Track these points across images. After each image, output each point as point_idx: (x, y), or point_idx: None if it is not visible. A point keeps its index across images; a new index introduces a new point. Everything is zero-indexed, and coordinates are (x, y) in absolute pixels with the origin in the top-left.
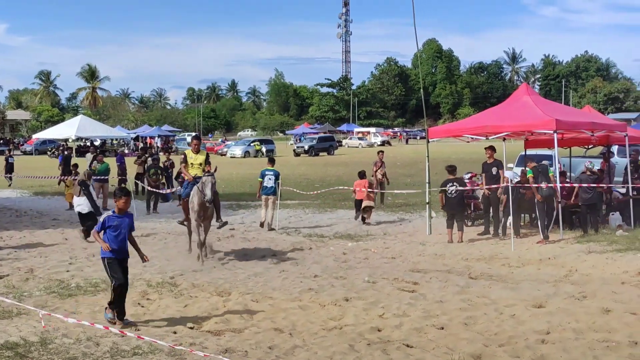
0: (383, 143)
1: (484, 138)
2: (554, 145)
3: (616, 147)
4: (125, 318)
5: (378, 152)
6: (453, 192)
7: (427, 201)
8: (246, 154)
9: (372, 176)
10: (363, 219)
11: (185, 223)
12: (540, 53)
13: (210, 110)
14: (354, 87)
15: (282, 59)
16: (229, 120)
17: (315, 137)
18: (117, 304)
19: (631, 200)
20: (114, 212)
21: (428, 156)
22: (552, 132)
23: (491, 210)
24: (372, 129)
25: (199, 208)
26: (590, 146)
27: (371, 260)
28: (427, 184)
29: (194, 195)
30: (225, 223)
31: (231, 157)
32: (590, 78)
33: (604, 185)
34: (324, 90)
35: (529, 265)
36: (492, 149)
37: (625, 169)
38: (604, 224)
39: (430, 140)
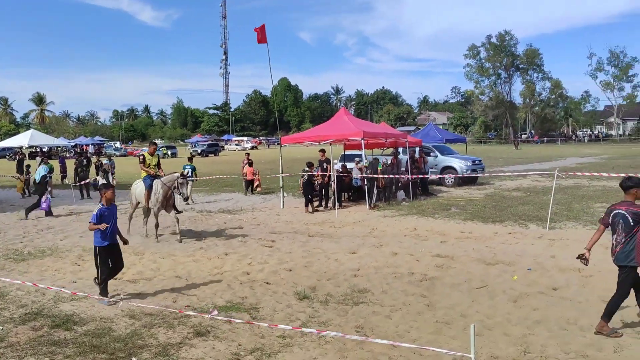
0: (252, 147)
1: (318, 143)
2: (362, 147)
3: (401, 148)
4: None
5: (245, 153)
6: (306, 177)
7: (281, 185)
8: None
9: (242, 171)
10: (252, 192)
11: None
12: (355, 87)
13: (130, 126)
14: (232, 110)
15: (181, 89)
16: (144, 132)
17: (206, 144)
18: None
19: (410, 182)
20: (103, 204)
21: (281, 156)
22: (360, 139)
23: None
24: (245, 138)
25: (163, 199)
26: (385, 148)
27: (244, 227)
28: (280, 175)
29: (159, 189)
30: (181, 212)
31: None
32: (385, 104)
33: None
34: (211, 111)
35: (347, 226)
36: (323, 150)
37: (407, 162)
38: (394, 198)
39: (283, 145)
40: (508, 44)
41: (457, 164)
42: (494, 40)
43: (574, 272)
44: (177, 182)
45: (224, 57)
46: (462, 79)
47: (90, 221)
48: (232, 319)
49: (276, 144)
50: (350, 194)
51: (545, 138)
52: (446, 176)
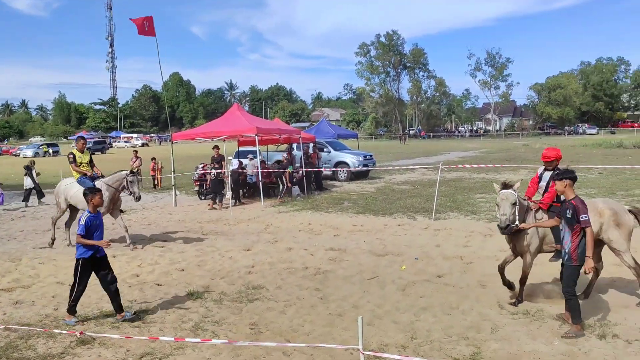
0: (143, 145)
1: (211, 139)
2: (256, 143)
3: (295, 144)
4: (133, 312)
5: (133, 151)
6: (214, 174)
7: (173, 183)
8: (36, 154)
9: (130, 167)
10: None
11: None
12: (249, 83)
13: (5, 122)
14: (120, 105)
15: (64, 83)
16: (22, 129)
17: (92, 141)
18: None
19: (304, 177)
20: (89, 211)
21: (173, 153)
22: (254, 135)
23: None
24: (135, 135)
25: (109, 203)
26: (279, 144)
27: (134, 227)
28: (172, 172)
29: (104, 191)
30: (124, 211)
31: (23, 157)
32: (280, 100)
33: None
34: (98, 107)
35: (241, 224)
36: (217, 147)
37: (301, 158)
38: (288, 193)
39: (174, 142)
40: (396, 43)
41: (350, 159)
42: (382, 39)
43: (456, 260)
44: (127, 181)
45: (110, 49)
46: (354, 76)
47: (79, 233)
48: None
49: (168, 140)
50: (245, 191)
51: (431, 133)
52: (339, 170)
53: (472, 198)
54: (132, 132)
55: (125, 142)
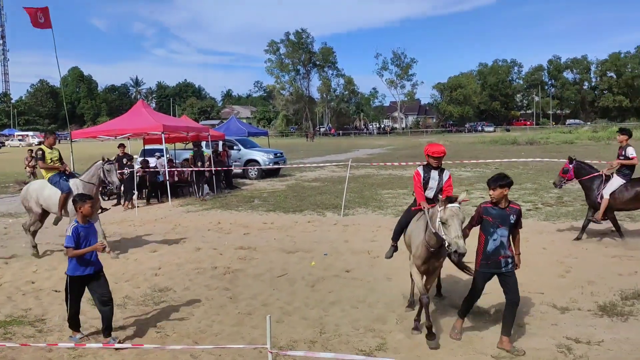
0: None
1: (114, 137)
2: (162, 142)
3: (204, 142)
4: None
5: (28, 150)
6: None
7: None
8: None
9: (25, 168)
10: None
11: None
12: (156, 79)
13: None
14: (13, 101)
15: None
16: None
17: None
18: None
19: (214, 176)
20: (77, 222)
21: (72, 152)
22: (160, 133)
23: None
24: (30, 133)
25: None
26: (187, 142)
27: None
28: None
29: (81, 190)
30: (106, 209)
31: None
32: (188, 97)
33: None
34: None
35: (148, 224)
36: (122, 145)
37: (210, 156)
38: (199, 191)
39: (74, 140)
40: (305, 41)
41: (260, 156)
42: (292, 37)
43: (364, 254)
44: (104, 172)
45: (1, 41)
46: (265, 73)
47: (67, 245)
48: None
49: (67, 139)
50: (151, 190)
51: (340, 131)
52: (250, 168)
53: (379, 194)
54: (28, 129)
55: (20, 140)
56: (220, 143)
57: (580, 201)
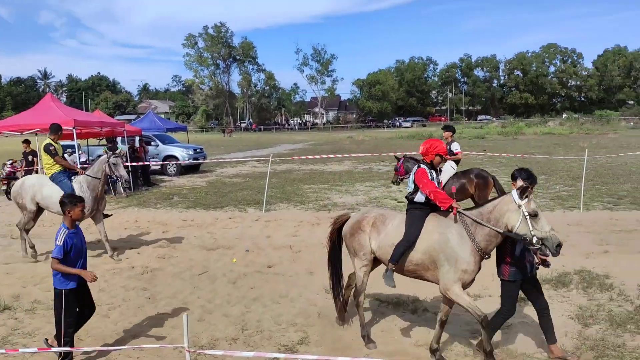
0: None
1: (20, 133)
2: (74, 137)
3: (120, 138)
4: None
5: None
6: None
7: None
8: None
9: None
10: None
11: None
12: (66, 72)
13: None
14: None
15: None
16: None
17: None
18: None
19: (130, 172)
20: (66, 227)
21: None
22: (71, 128)
23: None
24: None
25: (94, 202)
26: (102, 138)
27: None
28: None
29: (85, 188)
30: (110, 215)
31: None
32: (102, 91)
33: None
34: None
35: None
36: (27, 141)
37: (126, 152)
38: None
39: None
40: (224, 35)
41: (179, 152)
42: (210, 31)
43: (286, 250)
44: (109, 166)
45: None
46: (183, 67)
47: (55, 257)
48: None
49: None
50: None
51: (262, 126)
52: (168, 164)
53: (301, 189)
54: None
55: None
56: (137, 139)
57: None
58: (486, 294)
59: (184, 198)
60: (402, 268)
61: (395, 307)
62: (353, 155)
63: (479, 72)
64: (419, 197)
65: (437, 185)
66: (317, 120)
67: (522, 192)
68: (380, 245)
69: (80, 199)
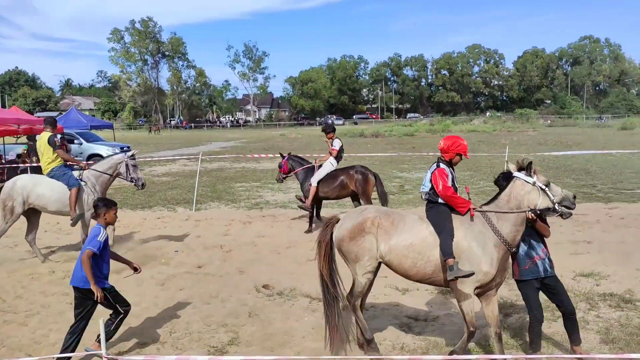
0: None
1: None
2: None
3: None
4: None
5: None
6: None
7: None
8: None
9: None
10: None
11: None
12: None
13: None
14: None
15: None
16: None
17: None
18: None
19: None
20: (102, 226)
21: None
22: None
23: None
24: None
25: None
26: (19, 136)
27: None
28: None
29: (94, 184)
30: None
31: None
32: (20, 87)
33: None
34: None
35: None
36: None
37: None
38: None
39: None
40: (152, 30)
41: (104, 151)
42: (138, 25)
43: (216, 249)
44: (127, 166)
45: None
46: (109, 63)
47: (90, 248)
48: None
49: None
50: None
51: (193, 124)
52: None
53: (232, 187)
54: None
55: None
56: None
57: (419, 189)
58: (414, 287)
59: (109, 198)
60: (414, 273)
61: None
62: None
63: (408, 71)
64: (442, 202)
65: (455, 186)
66: (250, 118)
67: (529, 170)
68: (393, 248)
69: (114, 203)
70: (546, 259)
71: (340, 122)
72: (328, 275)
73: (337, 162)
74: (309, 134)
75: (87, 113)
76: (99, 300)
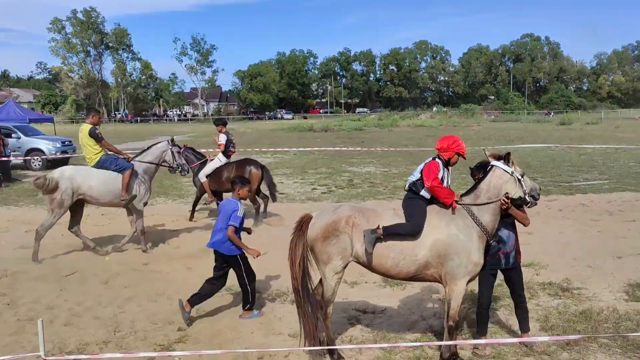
0: None
1: None
2: None
3: None
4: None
5: None
6: None
7: None
8: None
9: None
10: None
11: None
12: None
13: None
14: None
15: None
16: None
17: None
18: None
19: None
20: (237, 200)
21: None
22: None
23: None
24: None
25: (150, 189)
26: None
27: None
28: None
29: (142, 173)
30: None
31: None
32: None
33: None
34: None
35: None
36: None
37: None
38: None
39: None
40: (95, 21)
41: (45, 145)
42: (80, 15)
43: (163, 246)
44: (173, 154)
45: None
46: (49, 54)
47: (233, 224)
48: None
49: None
50: None
51: (139, 118)
52: (32, 158)
53: (179, 182)
54: None
55: None
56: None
57: (368, 183)
58: (362, 280)
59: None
60: (396, 272)
61: (274, 298)
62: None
63: (357, 66)
64: (424, 194)
65: (446, 182)
66: (198, 112)
67: (507, 160)
68: None
69: (248, 181)
70: (512, 252)
71: (290, 116)
72: (301, 277)
73: (226, 156)
74: (258, 129)
75: (25, 106)
76: (255, 257)
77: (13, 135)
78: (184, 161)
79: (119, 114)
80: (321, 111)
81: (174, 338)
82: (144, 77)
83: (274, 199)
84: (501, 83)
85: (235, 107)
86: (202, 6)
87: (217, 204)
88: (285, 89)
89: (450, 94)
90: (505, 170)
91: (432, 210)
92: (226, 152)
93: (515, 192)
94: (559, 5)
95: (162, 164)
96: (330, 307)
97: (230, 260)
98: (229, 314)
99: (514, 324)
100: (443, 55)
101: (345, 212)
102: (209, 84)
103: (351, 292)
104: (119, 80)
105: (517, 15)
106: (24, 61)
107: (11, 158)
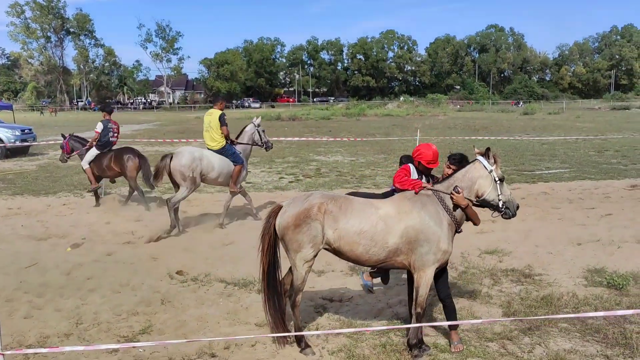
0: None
1: None
2: None
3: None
4: None
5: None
6: None
7: None
8: None
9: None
10: None
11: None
12: None
13: None
14: None
15: None
16: None
17: None
18: None
19: None
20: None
21: None
22: None
23: None
24: None
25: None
26: None
27: None
28: None
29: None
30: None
31: None
32: None
33: None
34: None
35: None
36: None
37: None
38: None
39: None
40: (56, 5)
41: (3, 133)
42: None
43: (127, 235)
44: (259, 133)
45: None
46: (7, 39)
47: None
48: None
49: None
50: None
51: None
52: None
53: None
54: None
55: None
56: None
57: (335, 172)
58: (329, 269)
59: (9, 184)
60: (367, 259)
61: (241, 287)
62: (200, 139)
63: (324, 55)
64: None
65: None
66: (163, 100)
67: (487, 155)
68: (342, 235)
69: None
70: None
71: (257, 105)
72: (269, 267)
73: (105, 144)
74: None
75: None
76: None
77: None
78: (269, 138)
79: (82, 101)
80: (251, 100)
81: (138, 329)
82: (107, 64)
83: (151, 188)
84: (467, 73)
85: (202, 96)
86: None
87: (97, 189)
88: (253, 78)
89: (417, 83)
90: (485, 167)
91: (404, 196)
92: (104, 140)
93: (489, 193)
94: None
95: (255, 143)
96: (299, 296)
97: None
98: (195, 304)
99: (477, 310)
100: (410, 45)
101: (317, 200)
102: (175, 71)
103: (318, 280)
104: (81, 67)
105: (483, 6)
106: None
107: None
